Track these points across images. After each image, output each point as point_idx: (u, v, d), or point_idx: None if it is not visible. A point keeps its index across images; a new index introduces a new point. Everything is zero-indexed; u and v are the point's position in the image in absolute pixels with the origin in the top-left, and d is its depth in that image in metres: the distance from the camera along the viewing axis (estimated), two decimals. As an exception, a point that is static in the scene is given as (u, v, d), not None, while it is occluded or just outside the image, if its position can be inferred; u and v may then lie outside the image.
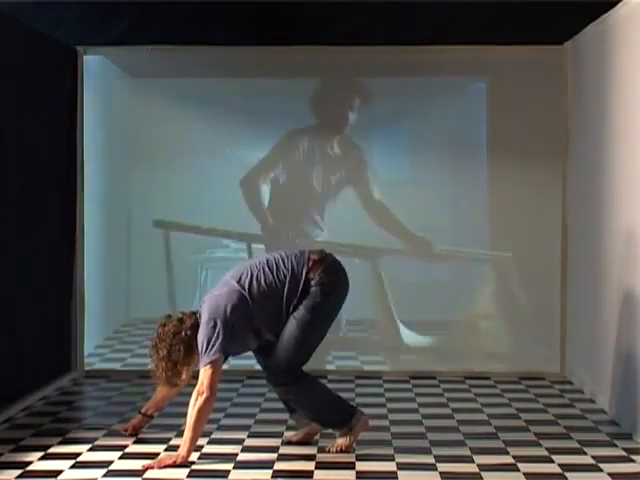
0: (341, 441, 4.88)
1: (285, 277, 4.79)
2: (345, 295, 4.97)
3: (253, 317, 4.74)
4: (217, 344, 4.60)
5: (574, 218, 6.65)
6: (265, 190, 7.37)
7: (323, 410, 4.90)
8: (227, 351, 4.70)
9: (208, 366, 4.60)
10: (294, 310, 4.79)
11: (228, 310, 4.67)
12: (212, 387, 4.59)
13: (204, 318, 4.69)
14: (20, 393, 5.78)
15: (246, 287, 4.75)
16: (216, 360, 4.61)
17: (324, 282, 4.80)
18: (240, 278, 4.79)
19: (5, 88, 5.51)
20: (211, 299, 4.75)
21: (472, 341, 7.33)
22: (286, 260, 4.85)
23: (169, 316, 4.84)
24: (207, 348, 4.61)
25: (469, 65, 7.28)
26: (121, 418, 5.56)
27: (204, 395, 4.58)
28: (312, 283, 4.79)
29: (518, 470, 4.56)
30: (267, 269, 4.81)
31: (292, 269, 4.81)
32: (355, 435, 4.89)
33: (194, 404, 4.60)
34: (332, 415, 4.91)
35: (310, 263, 4.82)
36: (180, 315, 4.82)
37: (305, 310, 4.77)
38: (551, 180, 6.93)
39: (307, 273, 4.80)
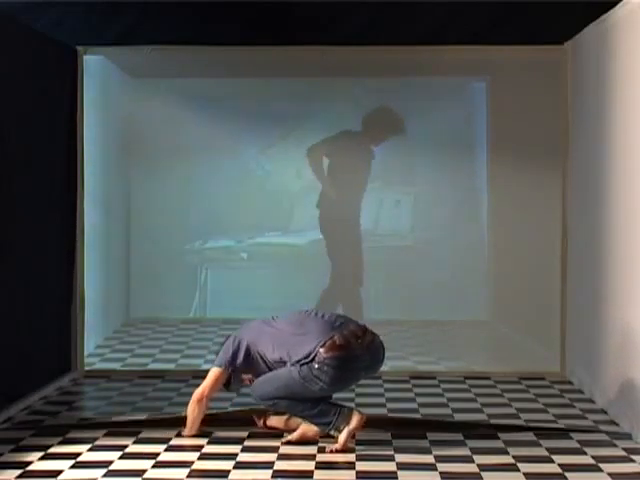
0: (337, 442, 4.87)
1: (300, 335, 4.89)
2: (340, 387, 5.00)
3: (262, 352, 4.98)
4: (228, 357, 5.00)
5: (574, 218, 6.65)
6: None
7: (306, 416, 4.94)
8: (234, 367, 5.01)
9: (215, 369, 5.05)
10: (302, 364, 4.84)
11: (248, 340, 5.00)
12: (208, 390, 5.06)
13: (235, 334, 5.08)
14: (20, 393, 5.78)
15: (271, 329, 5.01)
16: (222, 368, 5.02)
17: (322, 369, 4.78)
18: (276, 321, 5.05)
19: (5, 88, 5.51)
20: (250, 324, 5.12)
21: (472, 341, 7.34)
22: (313, 323, 4.92)
23: None
24: (222, 356, 5.02)
25: (469, 65, 7.29)
26: (121, 418, 5.57)
27: (199, 393, 5.06)
28: (316, 359, 4.78)
29: (518, 470, 4.56)
30: (293, 321, 4.97)
31: (311, 333, 4.86)
32: (347, 434, 4.84)
33: (192, 399, 5.09)
34: (315, 418, 4.92)
35: (328, 342, 4.81)
36: None
37: (298, 371, 4.82)
38: (551, 180, 6.92)
39: (321, 348, 4.79)
